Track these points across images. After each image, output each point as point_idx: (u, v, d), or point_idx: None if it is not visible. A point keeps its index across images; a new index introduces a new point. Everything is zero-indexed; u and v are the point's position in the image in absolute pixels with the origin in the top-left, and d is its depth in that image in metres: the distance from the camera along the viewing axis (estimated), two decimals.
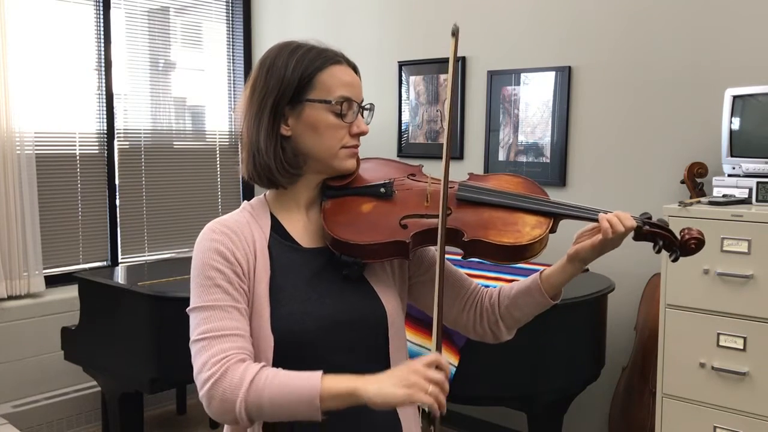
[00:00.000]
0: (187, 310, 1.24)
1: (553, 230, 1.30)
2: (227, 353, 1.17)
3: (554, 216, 1.31)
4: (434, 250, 1.39)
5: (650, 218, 1.31)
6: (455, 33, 1.34)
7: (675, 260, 1.31)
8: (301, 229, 1.34)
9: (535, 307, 1.37)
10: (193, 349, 1.20)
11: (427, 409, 1.10)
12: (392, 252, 1.28)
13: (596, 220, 1.28)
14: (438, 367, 1.11)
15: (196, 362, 1.18)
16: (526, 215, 1.31)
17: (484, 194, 1.34)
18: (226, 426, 1.34)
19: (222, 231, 1.28)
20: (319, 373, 1.13)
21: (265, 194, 1.39)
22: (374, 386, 1.10)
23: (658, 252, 1.31)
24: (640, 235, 1.29)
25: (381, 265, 1.36)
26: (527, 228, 1.28)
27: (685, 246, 1.30)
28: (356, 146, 1.34)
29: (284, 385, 1.13)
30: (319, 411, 1.11)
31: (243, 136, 1.33)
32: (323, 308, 1.27)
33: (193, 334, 1.21)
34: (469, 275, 1.48)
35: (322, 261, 1.31)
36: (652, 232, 1.29)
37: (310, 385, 1.11)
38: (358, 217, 1.31)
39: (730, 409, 2.40)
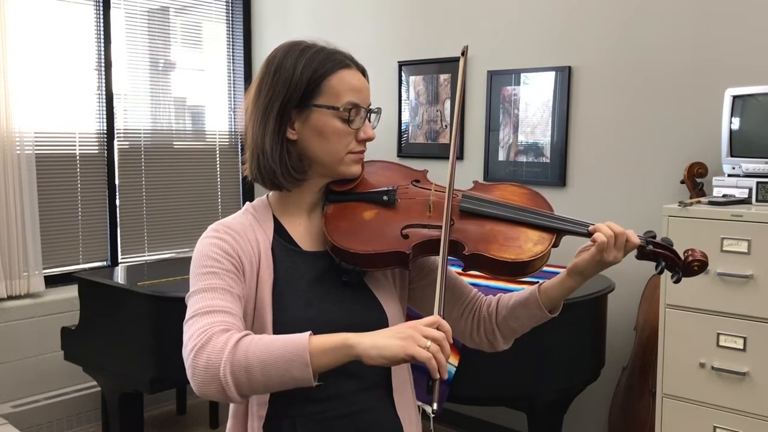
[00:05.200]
0: (185, 299, 1.23)
1: (555, 245, 1.29)
2: (212, 324, 1.14)
3: (557, 232, 1.29)
4: (435, 256, 1.38)
5: (654, 237, 1.29)
6: (464, 53, 1.33)
7: (677, 281, 1.29)
8: (302, 232, 1.34)
9: (532, 320, 1.36)
10: (184, 329, 1.17)
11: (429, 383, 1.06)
12: (392, 262, 1.27)
13: None
14: (439, 327, 1.07)
15: (184, 339, 1.15)
16: (529, 230, 1.29)
17: (487, 206, 1.32)
18: (228, 427, 1.34)
19: (225, 231, 1.28)
20: (308, 332, 1.09)
21: (267, 195, 1.38)
22: (368, 338, 1.06)
23: (660, 272, 1.29)
24: (643, 254, 1.28)
25: (382, 270, 1.35)
26: (529, 244, 1.26)
27: (687, 268, 1.28)
28: (362, 152, 1.33)
29: (271, 343, 1.09)
30: (310, 368, 1.05)
31: (247, 136, 1.31)
32: (325, 314, 1.26)
33: (186, 317, 1.19)
34: (470, 275, 1.48)
35: (324, 265, 1.30)
36: (656, 252, 1.28)
37: (298, 341, 1.07)
38: (360, 225, 1.29)
39: (730, 409, 2.40)
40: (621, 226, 1.26)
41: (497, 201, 1.34)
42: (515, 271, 1.26)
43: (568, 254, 1.34)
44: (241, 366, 1.08)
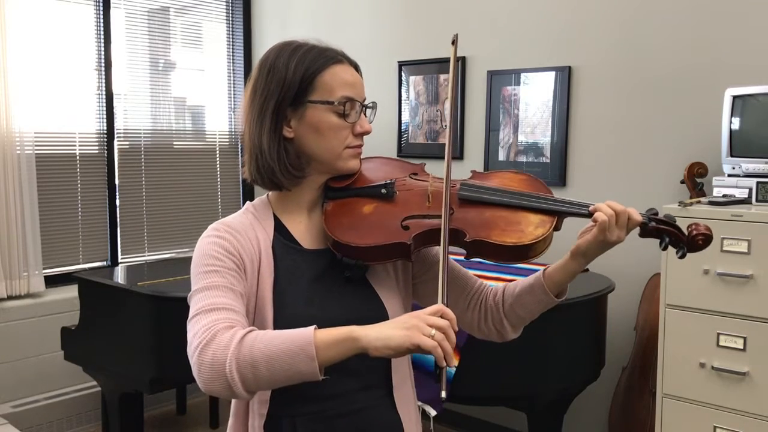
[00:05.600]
0: (187, 299, 1.24)
1: (557, 228, 1.28)
2: (217, 321, 1.14)
3: (558, 214, 1.29)
4: (438, 249, 1.38)
5: (656, 214, 1.28)
6: (455, 42, 1.35)
7: (682, 257, 1.27)
8: (303, 230, 1.34)
9: (539, 305, 1.35)
10: (188, 328, 1.18)
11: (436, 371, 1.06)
12: (394, 254, 1.27)
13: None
14: (443, 315, 1.07)
15: (189, 337, 1.16)
16: (530, 214, 1.28)
17: (486, 193, 1.32)
18: (229, 425, 1.34)
19: (226, 230, 1.28)
20: (313, 326, 1.09)
21: (267, 195, 1.39)
22: (373, 330, 1.07)
23: (665, 249, 1.27)
24: (646, 231, 1.27)
25: (383, 266, 1.35)
26: (530, 227, 1.26)
27: (692, 242, 1.26)
28: (360, 146, 1.33)
29: (276, 338, 1.09)
30: (316, 362, 1.06)
31: (245, 138, 1.32)
32: (325, 311, 1.27)
33: (189, 316, 1.19)
34: (476, 275, 1.48)
35: (325, 263, 1.31)
36: (659, 228, 1.26)
37: (304, 335, 1.07)
38: (359, 219, 1.30)
39: (730, 409, 2.40)
40: (621, 204, 1.25)
41: (496, 187, 1.34)
42: (518, 255, 1.26)
43: (572, 241, 1.33)
44: (246, 361, 1.08)
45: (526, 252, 1.25)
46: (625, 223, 1.24)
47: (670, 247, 1.28)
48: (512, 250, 1.25)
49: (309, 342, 1.06)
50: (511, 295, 1.38)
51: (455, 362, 2.49)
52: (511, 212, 1.29)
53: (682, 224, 1.28)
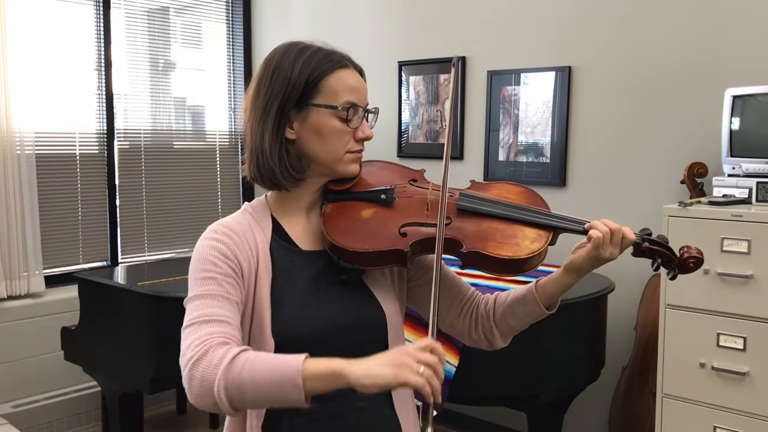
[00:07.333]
0: (184, 303, 1.24)
1: (552, 243, 1.29)
2: (211, 336, 1.15)
3: (554, 229, 1.30)
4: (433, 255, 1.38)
5: (650, 234, 1.30)
6: (455, 65, 1.39)
7: (673, 278, 1.30)
8: (301, 231, 1.34)
9: (529, 316, 1.36)
10: (182, 336, 1.18)
11: (421, 405, 1.07)
12: (390, 260, 1.28)
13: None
14: (432, 351, 1.06)
15: (182, 347, 1.16)
16: (526, 228, 1.30)
17: (484, 205, 1.33)
18: (226, 426, 1.34)
19: (224, 232, 1.28)
20: (304, 354, 1.09)
21: (266, 195, 1.39)
22: (361, 367, 1.05)
23: (656, 269, 1.30)
24: (638, 251, 1.29)
25: (380, 269, 1.35)
26: (526, 241, 1.27)
27: (683, 264, 1.29)
28: (360, 151, 1.34)
29: (265, 364, 1.09)
30: (303, 392, 1.05)
31: (246, 137, 1.32)
32: (323, 312, 1.27)
33: (184, 323, 1.20)
34: (469, 275, 1.48)
35: (322, 264, 1.31)
36: (651, 249, 1.29)
37: (292, 364, 1.07)
38: (358, 223, 1.30)
39: (730, 409, 2.40)
40: (617, 223, 1.27)
41: (494, 199, 1.34)
42: (512, 268, 1.27)
43: (565, 253, 1.34)
44: (234, 384, 1.09)
45: (520, 265, 1.27)
46: (618, 241, 1.26)
47: (662, 268, 1.30)
48: (507, 263, 1.26)
49: (297, 373, 1.06)
50: (502, 304, 1.39)
51: (455, 361, 2.49)
52: (507, 225, 1.30)
53: (675, 245, 1.30)
